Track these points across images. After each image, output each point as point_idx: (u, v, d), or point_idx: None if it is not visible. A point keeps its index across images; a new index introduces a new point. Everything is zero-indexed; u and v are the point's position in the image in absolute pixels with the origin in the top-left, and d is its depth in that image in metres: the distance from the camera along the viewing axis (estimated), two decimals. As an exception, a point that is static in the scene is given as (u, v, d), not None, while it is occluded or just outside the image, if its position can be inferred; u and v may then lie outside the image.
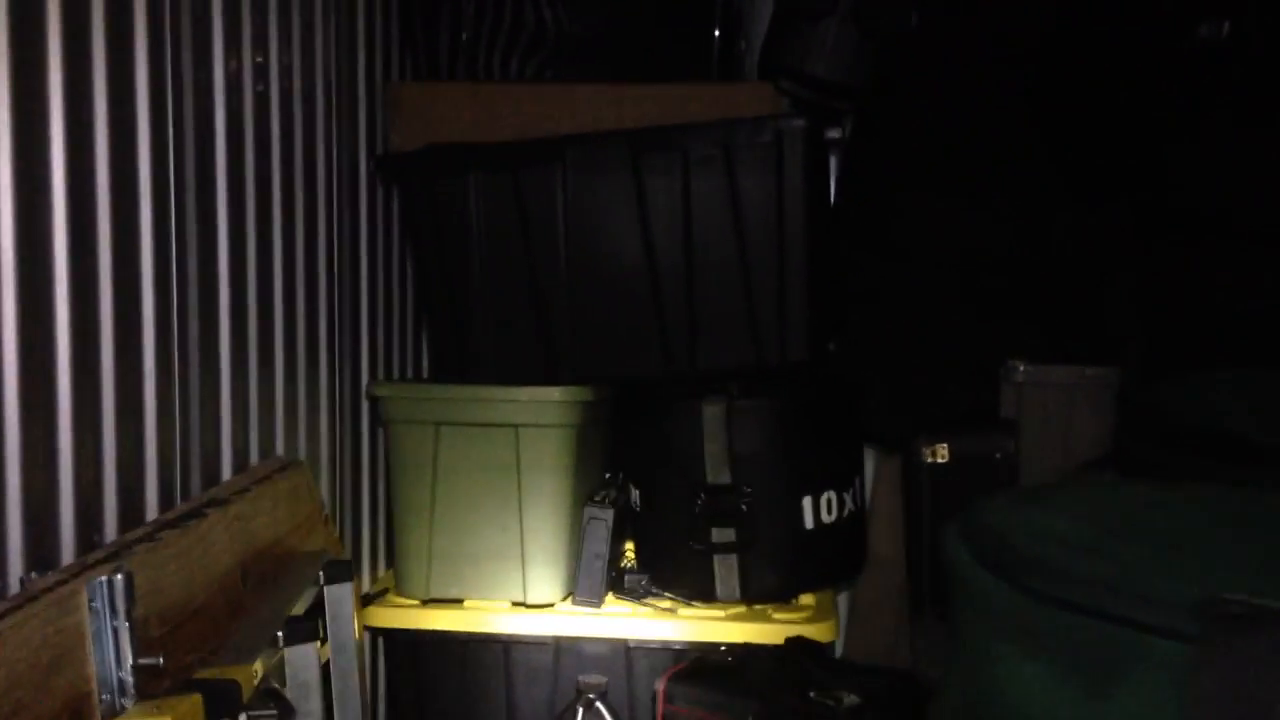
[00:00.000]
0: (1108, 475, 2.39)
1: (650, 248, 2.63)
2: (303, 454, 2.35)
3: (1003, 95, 2.71)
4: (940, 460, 2.70)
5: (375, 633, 2.67)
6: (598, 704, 2.45)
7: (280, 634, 1.67)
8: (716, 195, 2.58)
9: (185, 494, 1.88)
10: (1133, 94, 2.45)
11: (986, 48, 2.74)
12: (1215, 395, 2.23)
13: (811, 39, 2.81)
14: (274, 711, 1.60)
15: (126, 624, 1.43)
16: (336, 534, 2.37)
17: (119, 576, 1.43)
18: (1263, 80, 2.14)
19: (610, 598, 2.67)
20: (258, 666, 1.55)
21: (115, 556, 1.53)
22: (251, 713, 1.58)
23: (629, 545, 2.84)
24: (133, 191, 1.74)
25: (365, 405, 2.71)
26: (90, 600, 1.42)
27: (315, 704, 1.70)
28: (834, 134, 2.79)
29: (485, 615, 2.57)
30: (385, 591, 2.65)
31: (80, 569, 1.49)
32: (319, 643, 1.70)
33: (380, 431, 2.73)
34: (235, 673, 1.46)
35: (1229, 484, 1.79)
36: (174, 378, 1.84)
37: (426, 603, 2.61)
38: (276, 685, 1.61)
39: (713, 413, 2.62)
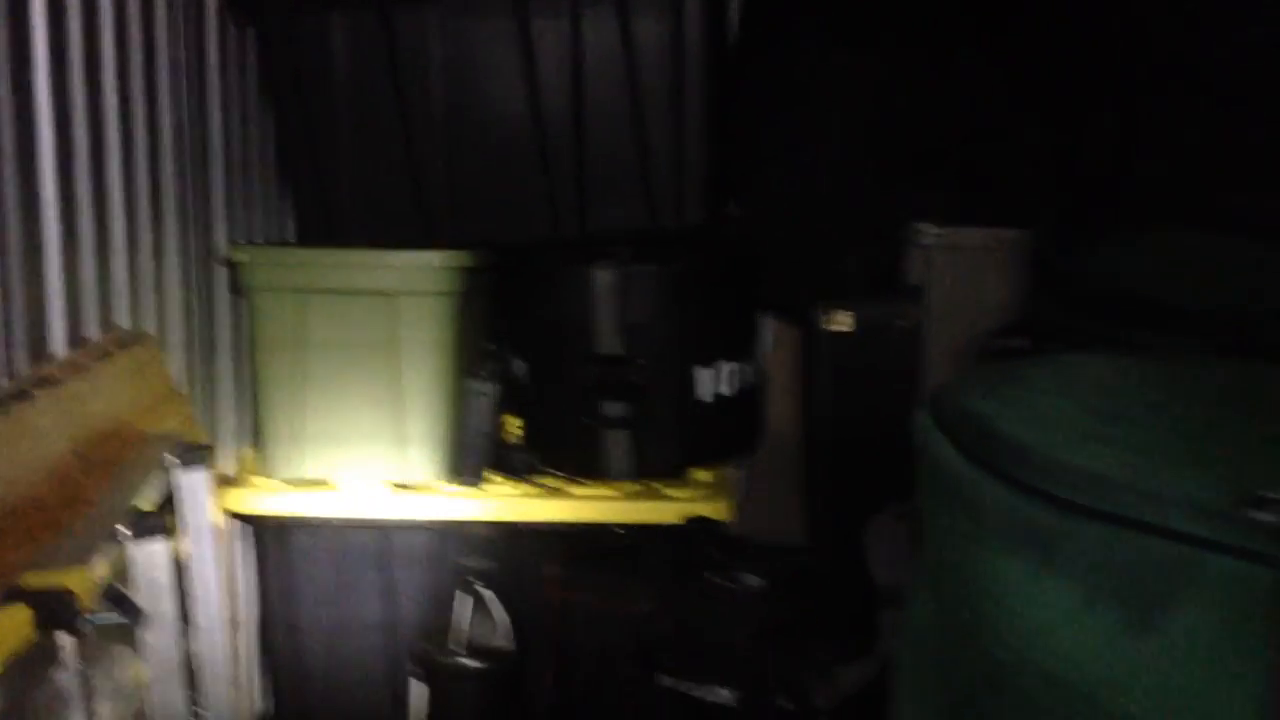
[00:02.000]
0: (1018, 342, 2.29)
1: (536, 98, 2.40)
2: (151, 326, 2.10)
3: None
4: (842, 329, 2.56)
5: (241, 520, 2.46)
6: (481, 590, 2.31)
7: (123, 528, 1.46)
8: (608, 39, 2.36)
9: (10, 372, 1.63)
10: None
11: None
12: (1133, 258, 2.13)
13: None
14: (119, 617, 1.40)
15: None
16: (192, 414, 2.14)
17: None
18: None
19: (496, 478, 2.51)
20: (98, 568, 1.35)
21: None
22: (95, 618, 1.39)
23: (515, 421, 2.67)
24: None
25: (224, 273, 2.45)
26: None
27: (168, 604, 1.51)
28: (734, -25, 2.58)
29: (360, 498, 2.38)
30: (249, 474, 2.44)
31: None
32: (169, 536, 1.50)
33: (242, 302, 2.47)
34: (69, 579, 1.25)
35: (1157, 350, 1.69)
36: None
37: (295, 484, 2.41)
38: (120, 586, 1.41)
39: (604, 278, 2.43)
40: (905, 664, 1.32)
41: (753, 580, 2.10)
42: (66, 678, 1.30)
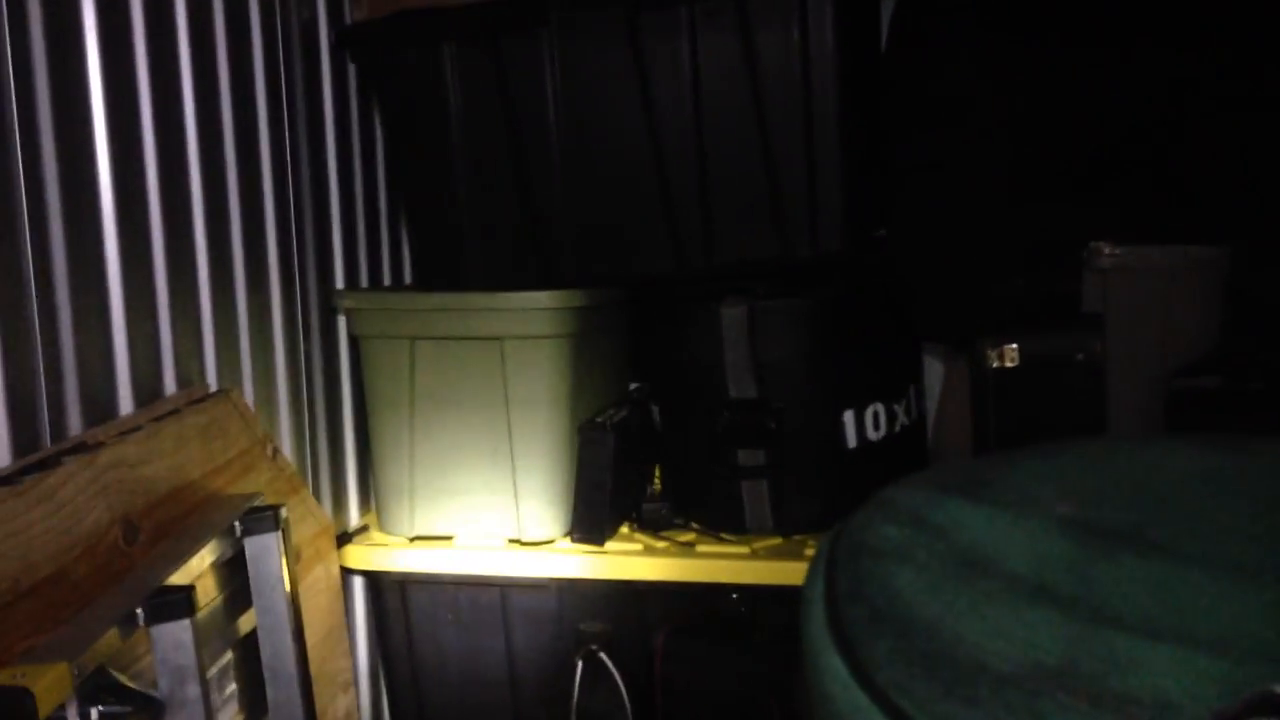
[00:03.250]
0: (1208, 381, 1.94)
1: (654, 125, 2.22)
2: (249, 383, 2.03)
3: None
4: (1009, 364, 2.26)
5: (359, 576, 2.37)
6: (600, 655, 2.13)
7: (139, 610, 1.35)
8: (729, 57, 2.16)
9: (58, 438, 1.57)
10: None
11: None
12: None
13: None
14: (127, 709, 1.30)
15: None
16: (292, 470, 2.06)
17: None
18: None
19: (625, 530, 2.34)
20: (88, 658, 1.24)
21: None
22: (105, 710, 1.29)
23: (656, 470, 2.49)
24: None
25: (342, 323, 2.37)
26: None
27: (193, 690, 1.39)
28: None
29: (477, 553, 2.25)
30: (365, 529, 2.35)
31: None
32: (191, 616, 1.39)
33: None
34: (37, 674, 1.15)
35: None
36: (27, 289, 1.52)
37: (413, 540, 2.30)
38: (119, 676, 1.30)
39: (732, 316, 2.23)
40: None
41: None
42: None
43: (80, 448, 1.51)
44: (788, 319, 2.24)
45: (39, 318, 1.53)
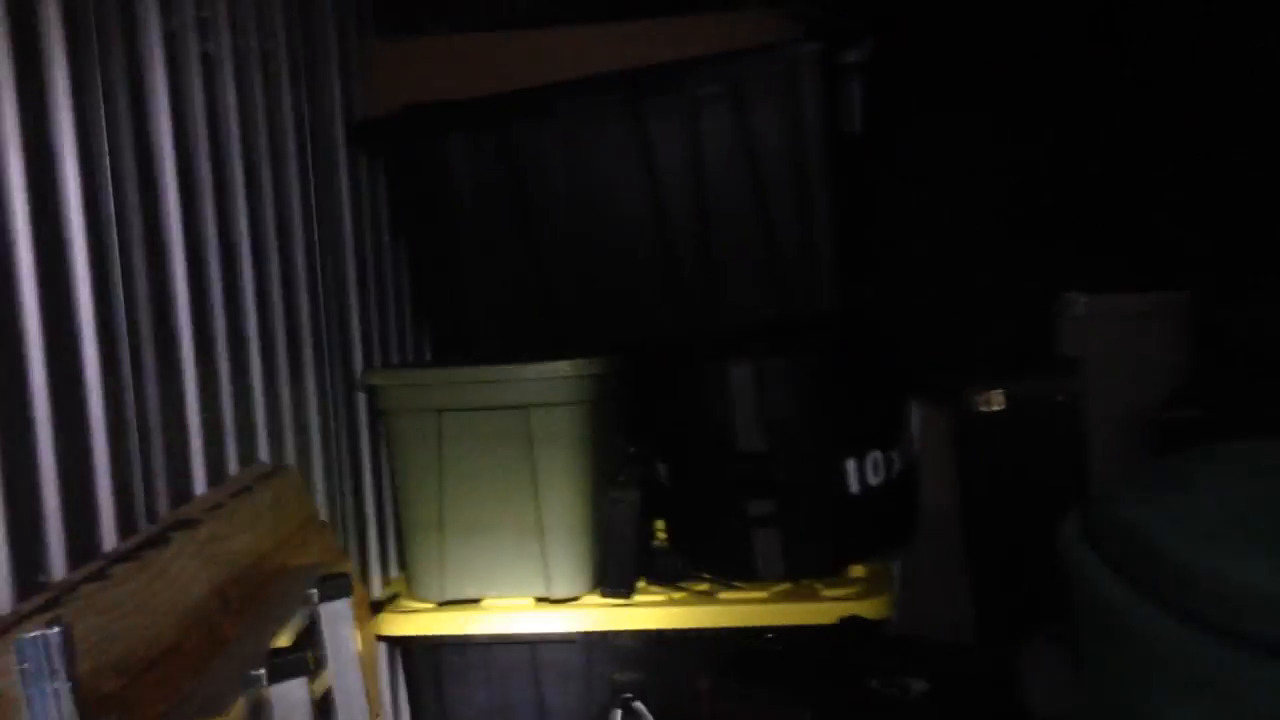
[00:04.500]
0: (1189, 413, 2.13)
1: (659, 199, 2.38)
2: (291, 458, 2.13)
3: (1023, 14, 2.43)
4: (995, 409, 2.45)
5: (391, 642, 2.45)
6: (635, 704, 2.24)
7: (258, 670, 1.44)
8: (727, 136, 2.33)
9: (151, 517, 1.65)
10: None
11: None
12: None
13: (819, -52, 2.54)
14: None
15: (68, 684, 1.21)
16: (338, 542, 2.15)
17: (54, 631, 1.21)
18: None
19: (641, 584, 2.45)
20: (234, 713, 1.33)
21: (55, 604, 1.31)
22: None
23: (660, 525, 2.61)
24: (52, 169, 1.51)
25: (361, 399, 2.47)
26: (21, 662, 1.20)
27: (310, 749, 1.48)
28: (853, 56, 2.52)
29: (507, 614, 2.35)
30: (396, 597, 2.44)
31: (14, 622, 1.28)
32: (309, 675, 1.48)
33: (380, 425, 2.49)
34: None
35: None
36: (125, 383, 1.62)
37: (443, 605, 2.39)
38: (258, 733, 1.39)
39: (740, 374, 2.38)
40: None
41: (919, 684, 1.98)
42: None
43: (180, 524, 1.60)
44: (792, 374, 2.40)
45: (134, 406, 1.62)
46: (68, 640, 1.22)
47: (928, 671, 1.98)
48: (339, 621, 1.80)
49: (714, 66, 2.33)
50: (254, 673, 1.44)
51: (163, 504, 1.69)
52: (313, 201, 2.30)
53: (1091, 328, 2.36)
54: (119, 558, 1.47)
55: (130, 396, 1.63)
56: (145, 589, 1.44)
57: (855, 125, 2.61)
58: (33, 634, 1.20)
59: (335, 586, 1.79)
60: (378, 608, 2.38)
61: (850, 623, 2.16)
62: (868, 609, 2.27)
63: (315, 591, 1.77)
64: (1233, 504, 1.09)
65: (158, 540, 1.53)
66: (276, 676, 1.45)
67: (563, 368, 2.31)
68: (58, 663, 1.21)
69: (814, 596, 2.35)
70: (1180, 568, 0.96)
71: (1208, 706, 0.92)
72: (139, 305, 1.68)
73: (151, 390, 1.68)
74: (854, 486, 2.43)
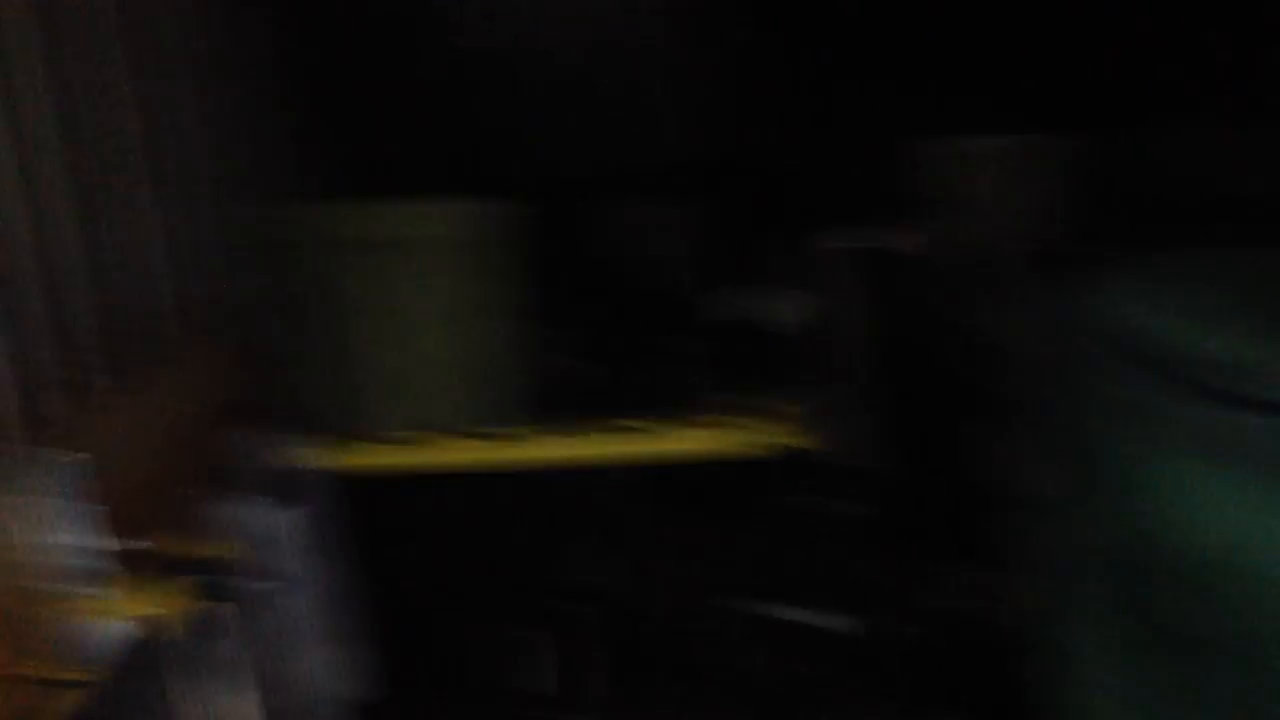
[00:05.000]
0: (1087, 248, 2.29)
1: (568, 32, 2.39)
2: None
3: None
4: (897, 248, 2.58)
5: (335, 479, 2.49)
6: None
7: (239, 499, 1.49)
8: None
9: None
10: None
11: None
12: (1202, 150, 2.12)
13: None
14: (267, 582, 1.44)
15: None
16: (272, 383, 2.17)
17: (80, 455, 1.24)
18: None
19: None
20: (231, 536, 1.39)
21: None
22: (249, 584, 1.43)
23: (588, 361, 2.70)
24: None
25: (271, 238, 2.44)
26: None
27: (293, 565, 1.54)
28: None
29: (446, 448, 2.42)
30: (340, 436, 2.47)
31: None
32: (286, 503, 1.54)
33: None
34: (214, 549, 1.29)
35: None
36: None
37: (381, 442, 2.44)
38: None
39: (653, 213, 2.45)
40: (1067, 565, 1.35)
41: (855, 505, 2.14)
42: (228, 645, 1.34)
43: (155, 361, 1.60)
44: (701, 215, 2.47)
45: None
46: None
47: (861, 492, 2.14)
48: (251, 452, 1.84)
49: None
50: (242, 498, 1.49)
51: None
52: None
53: (976, 169, 2.47)
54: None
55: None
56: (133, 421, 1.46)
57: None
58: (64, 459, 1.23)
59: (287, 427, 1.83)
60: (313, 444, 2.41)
61: (786, 450, 2.29)
62: (788, 438, 2.42)
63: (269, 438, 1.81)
64: (1211, 293, 1.29)
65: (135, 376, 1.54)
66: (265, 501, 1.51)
67: (451, 207, 2.34)
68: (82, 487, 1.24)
69: (727, 424, 2.47)
70: (1184, 349, 1.14)
71: (1210, 458, 1.11)
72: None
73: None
74: (766, 323, 2.54)
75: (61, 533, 1.21)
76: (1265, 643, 1.03)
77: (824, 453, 2.58)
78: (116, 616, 1.18)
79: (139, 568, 1.28)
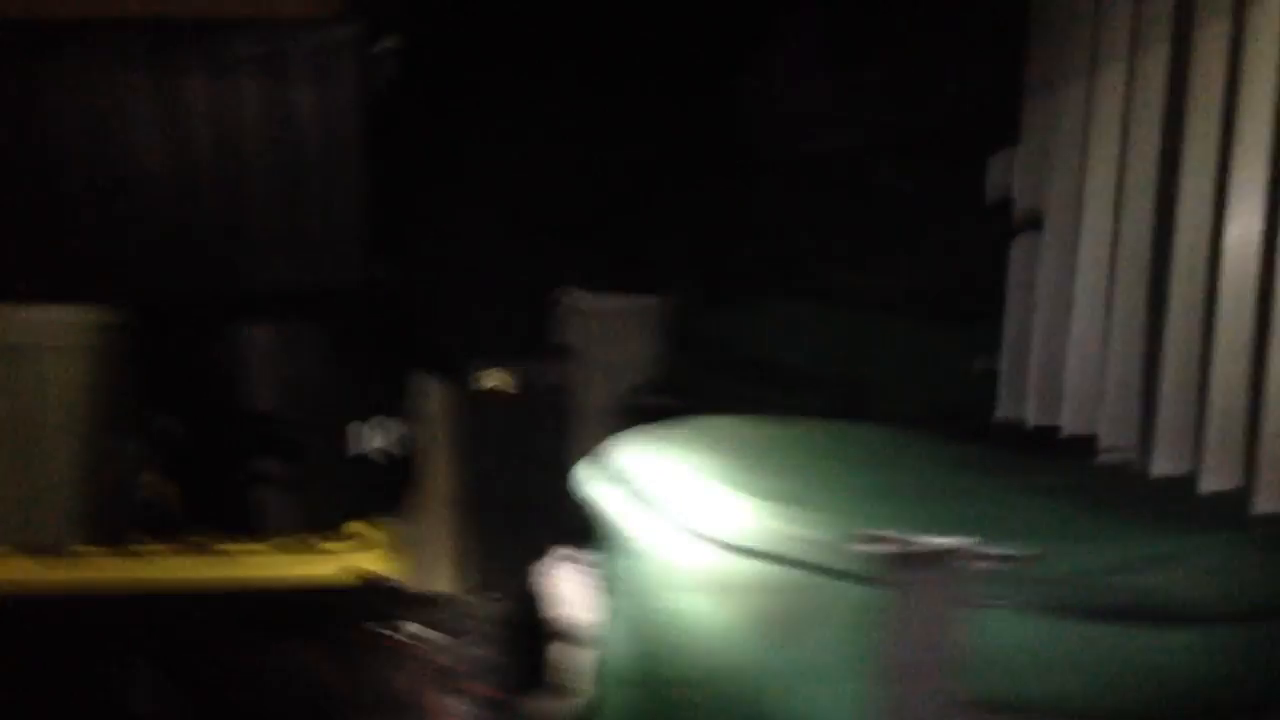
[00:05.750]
0: (664, 400, 2.47)
1: (183, 155, 2.40)
2: None
3: (561, 20, 2.70)
4: (495, 388, 2.70)
5: None
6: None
7: None
8: (259, 103, 2.41)
9: None
10: (699, 31, 2.51)
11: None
12: (767, 326, 2.37)
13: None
14: None
15: None
16: None
17: None
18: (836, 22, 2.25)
19: (145, 539, 2.45)
20: None
21: None
22: None
23: (166, 482, 2.62)
24: None
25: None
26: None
27: None
28: (387, 45, 2.67)
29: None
30: None
31: None
32: None
33: None
34: None
35: (786, 409, 1.92)
36: None
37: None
38: None
39: (256, 337, 2.46)
40: (608, 695, 1.51)
41: (431, 631, 2.18)
42: None
43: None
44: (307, 341, 2.50)
45: None
46: None
47: (434, 619, 2.19)
48: None
49: (254, 32, 2.39)
50: None
51: None
52: None
53: (583, 322, 2.66)
54: None
55: None
56: None
57: (389, 108, 2.77)
58: None
59: None
60: None
61: (368, 579, 2.31)
62: (370, 564, 2.44)
63: None
64: (708, 453, 1.52)
65: None
66: None
67: (71, 313, 2.28)
68: None
69: (318, 550, 2.47)
70: (690, 498, 1.36)
71: (696, 593, 1.33)
72: None
73: None
74: (362, 450, 2.57)
75: None
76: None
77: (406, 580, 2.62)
78: None
79: None
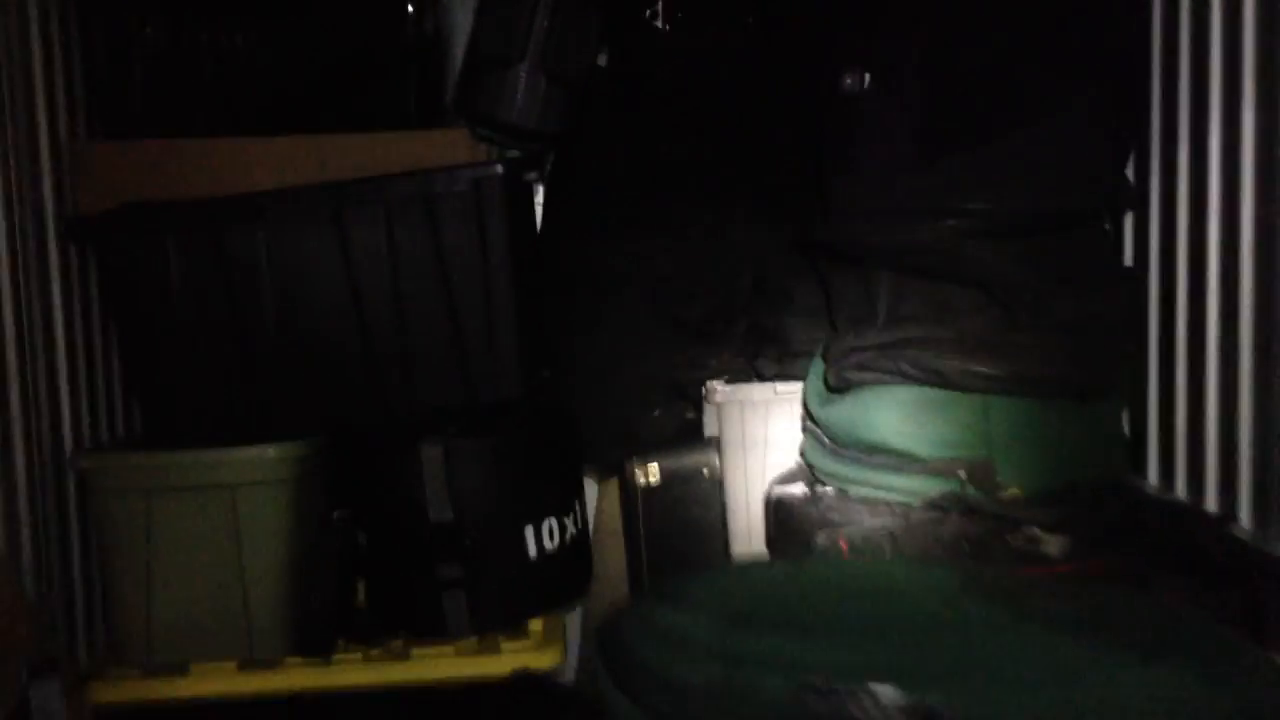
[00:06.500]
0: (796, 488, 2.60)
1: (358, 297, 2.67)
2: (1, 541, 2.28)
3: (687, 134, 2.88)
4: (652, 480, 2.86)
5: (105, 712, 2.60)
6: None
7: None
8: (420, 242, 2.65)
9: None
10: (800, 134, 2.66)
11: (670, 91, 2.91)
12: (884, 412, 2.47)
13: (502, 86, 2.90)
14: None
15: None
16: (49, 621, 2.31)
17: None
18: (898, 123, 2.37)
19: (342, 644, 2.71)
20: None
21: None
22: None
23: (360, 589, 2.88)
24: None
25: (73, 477, 2.63)
26: None
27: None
28: (532, 176, 2.89)
29: (211, 678, 2.56)
30: (106, 666, 2.60)
31: None
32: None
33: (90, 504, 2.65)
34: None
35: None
36: None
37: (150, 671, 2.57)
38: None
39: (431, 454, 2.68)
40: None
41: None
42: None
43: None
44: (477, 454, 2.72)
45: None
46: None
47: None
48: (49, 699, 1.99)
49: (407, 181, 2.65)
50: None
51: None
52: (22, 294, 2.46)
53: (728, 412, 2.81)
54: None
55: None
56: None
57: (534, 234, 3.00)
58: None
59: (45, 669, 1.99)
60: (86, 677, 2.53)
61: (520, 676, 2.49)
62: (542, 659, 2.62)
63: (25, 671, 1.96)
64: (702, 609, 1.54)
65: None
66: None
67: (269, 451, 2.55)
68: None
69: (495, 650, 2.67)
70: (646, 668, 1.39)
71: None
72: None
73: None
74: (532, 551, 2.77)
75: None
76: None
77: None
78: None
79: None
